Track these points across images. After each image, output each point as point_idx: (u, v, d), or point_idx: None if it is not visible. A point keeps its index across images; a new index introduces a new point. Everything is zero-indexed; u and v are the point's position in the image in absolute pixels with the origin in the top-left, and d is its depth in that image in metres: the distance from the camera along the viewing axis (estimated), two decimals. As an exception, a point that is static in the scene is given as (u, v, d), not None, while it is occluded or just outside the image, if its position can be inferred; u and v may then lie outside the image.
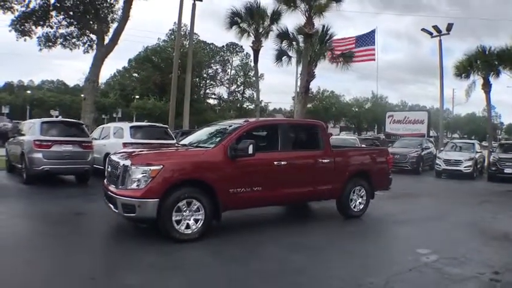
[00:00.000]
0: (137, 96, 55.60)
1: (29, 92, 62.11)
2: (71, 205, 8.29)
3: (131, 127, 11.35)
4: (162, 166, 5.63)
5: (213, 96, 69.19)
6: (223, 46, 66.96)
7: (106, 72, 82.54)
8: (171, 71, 21.36)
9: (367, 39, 33.30)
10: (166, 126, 12.13)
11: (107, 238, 6.19)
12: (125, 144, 10.39)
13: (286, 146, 6.93)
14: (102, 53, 17.50)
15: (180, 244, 5.60)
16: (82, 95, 20.67)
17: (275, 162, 6.59)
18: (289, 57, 22.24)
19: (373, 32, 33.72)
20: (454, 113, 76.58)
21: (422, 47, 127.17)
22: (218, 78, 68.27)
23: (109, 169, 6.47)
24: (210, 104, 65.81)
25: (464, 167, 17.39)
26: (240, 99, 68.21)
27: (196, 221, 5.85)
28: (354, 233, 7.00)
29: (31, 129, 11.11)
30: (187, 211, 5.79)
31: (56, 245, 5.61)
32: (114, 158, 6.40)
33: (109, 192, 6.04)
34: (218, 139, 6.44)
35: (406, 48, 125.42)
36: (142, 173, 5.63)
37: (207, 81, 67.38)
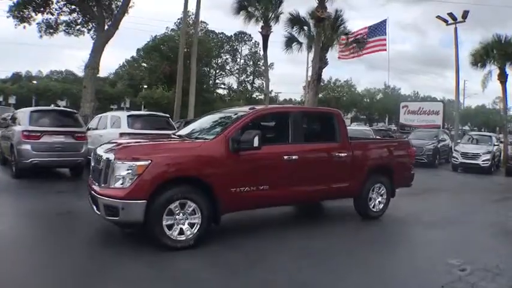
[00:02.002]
0: (145, 86, 55.05)
1: (34, 82, 61.80)
2: (57, 202, 7.52)
3: (129, 116, 10.46)
4: (149, 161, 4.74)
5: (223, 86, 68.42)
6: (231, 35, 66.20)
7: (115, 62, 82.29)
8: (184, 62, 20.80)
9: (378, 29, 32.59)
10: (168, 115, 11.22)
11: (90, 243, 5.32)
12: (121, 135, 9.62)
13: (298, 138, 5.98)
14: (103, 39, 16.65)
15: (173, 252, 4.77)
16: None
17: (285, 157, 5.66)
18: (300, 44, 21.18)
19: (384, 22, 33.02)
20: (464, 104, 75.31)
21: (431, 38, 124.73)
22: (227, 67, 67.40)
23: (92, 164, 5.61)
24: (219, 94, 64.91)
25: (482, 161, 16.64)
26: (250, 89, 67.28)
27: (191, 225, 4.98)
28: (373, 237, 6.11)
29: (21, 119, 10.30)
30: (181, 214, 4.92)
31: (28, 250, 4.81)
32: (98, 150, 5.53)
33: (92, 192, 5.17)
34: (219, 129, 5.50)
35: (414, 39, 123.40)
36: (128, 170, 4.75)
37: (216, 71, 66.58)
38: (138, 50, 61.29)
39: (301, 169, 5.83)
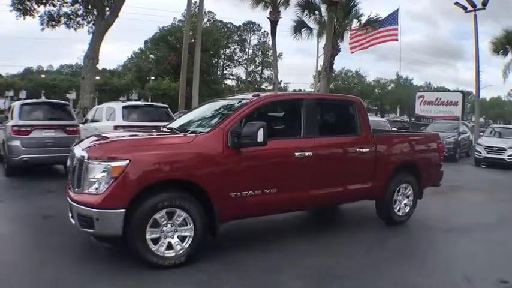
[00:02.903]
0: (153, 78, 54.52)
1: (43, 76, 61.71)
2: (44, 204, 6.74)
3: (124, 107, 9.56)
4: (128, 161, 3.82)
5: (231, 77, 67.44)
6: (240, 25, 65.27)
7: (123, 55, 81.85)
8: (190, 52, 20.02)
9: (390, 19, 31.87)
10: (167, 106, 10.29)
11: (68, 256, 4.42)
12: (116, 128, 8.76)
13: (312, 131, 4.98)
14: (102, 27, 15.77)
15: (160, 271, 3.91)
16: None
17: (296, 153, 4.68)
18: (310, 29, 20.00)
19: (396, 11, 32.17)
20: (479, 96, 73.13)
21: (441, 29, 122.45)
22: (236, 58, 66.44)
23: (68, 163, 4.74)
24: (227, 85, 63.99)
25: (508, 156, 15.43)
26: (259, 79, 66.26)
27: (182, 238, 4.08)
28: (402, 249, 5.14)
29: (13, 112, 9.52)
30: (169, 225, 4.03)
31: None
32: (74, 148, 4.63)
33: (67, 197, 4.28)
34: (216, 121, 4.54)
35: (424, 29, 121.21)
36: (103, 172, 3.85)
37: (225, 62, 65.68)
38: (145, 41, 61.09)
39: (316, 168, 4.86)
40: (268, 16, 20.33)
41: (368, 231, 5.83)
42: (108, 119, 9.96)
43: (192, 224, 4.07)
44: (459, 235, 5.81)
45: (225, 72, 66.31)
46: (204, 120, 4.93)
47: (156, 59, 56.15)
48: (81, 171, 4.01)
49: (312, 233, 5.58)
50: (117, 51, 67.16)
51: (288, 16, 19.46)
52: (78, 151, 4.27)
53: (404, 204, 6.16)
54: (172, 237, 4.04)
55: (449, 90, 46.45)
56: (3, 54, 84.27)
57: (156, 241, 3.97)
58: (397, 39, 33.09)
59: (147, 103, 10.76)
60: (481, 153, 16.16)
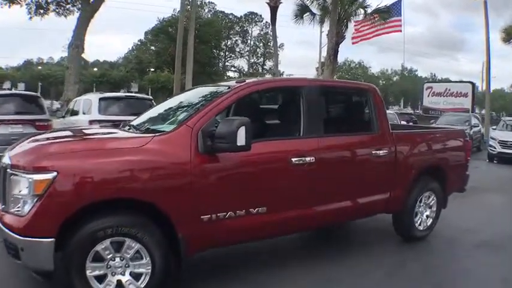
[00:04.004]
0: (152, 69, 53.63)
1: (39, 67, 60.93)
2: None
3: (101, 99, 8.49)
4: (55, 173, 2.70)
5: (233, 68, 66.28)
6: (241, 16, 64.19)
7: (124, 47, 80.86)
8: (186, 42, 18.88)
9: (393, 10, 31.02)
10: (151, 97, 9.20)
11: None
12: (91, 123, 7.72)
13: (315, 128, 3.81)
14: (88, 13, 14.59)
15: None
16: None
17: (294, 159, 3.52)
18: (313, 15, 18.71)
19: (399, 2, 31.20)
20: (483, 88, 72.53)
21: (442, 20, 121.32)
22: (237, 50, 65.32)
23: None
24: (230, 77, 62.88)
25: None
26: (260, 71, 65.12)
27: (136, 276, 2.98)
28: (427, 274, 4.02)
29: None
30: (118, 259, 2.92)
31: None
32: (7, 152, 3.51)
33: None
34: (184, 115, 3.40)
35: (426, 21, 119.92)
36: (26, 186, 2.75)
37: (226, 54, 64.54)
38: (146, 33, 60.22)
39: (320, 178, 3.72)
40: (268, 1, 19.09)
41: (384, 250, 4.71)
42: (85, 112, 8.92)
43: (148, 258, 2.96)
44: (490, 252, 4.75)
45: (226, 64, 65.33)
46: (174, 113, 3.77)
47: (156, 50, 55.39)
48: (5, 182, 2.96)
49: (316, 255, 4.44)
50: (118, 43, 66.09)
51: (290, 2, 18.13)
52: (6, 157, 3.18)
53: (426, 216, 5.05)
54: (123, 274, 2.95)
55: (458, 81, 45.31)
56: (4, 46, 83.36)
57: (101, 279, 2.89)
58: (400, 31, 31.98)
59: (128, 94, 9.63)
60: (495, 148, 15.07)
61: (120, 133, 3.55)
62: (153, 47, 57.71)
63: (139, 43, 62.99)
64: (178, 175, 2.99)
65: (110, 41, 72.52)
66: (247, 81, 3.60)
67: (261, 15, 60.99)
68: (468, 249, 4.86)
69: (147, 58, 56.97)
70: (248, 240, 3.68)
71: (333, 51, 16.44)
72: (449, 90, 27.41)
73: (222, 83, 3.99)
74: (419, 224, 4.96)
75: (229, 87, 3.46)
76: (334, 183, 3.87)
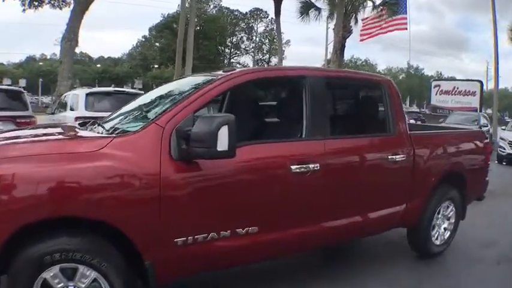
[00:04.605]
0: (156, 66, 53.20)
1: (40, 63, 60.70)
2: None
3: (88, 94, 7.85)
4: None
5: (238, 65, 65.61)
6: (247, 13, 63.42)
7: (129, 43, 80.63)
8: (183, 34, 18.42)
9: (399, 7, 30.36)
10: (143, 92, 8.53)
11: None
12: (77, 119, 7.08)
13: (320, 129, 3.10)
14: (82, 4, 13.89)
15: None
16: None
17: (293, 167, 2.82)
18: (318, 10, 18.02)
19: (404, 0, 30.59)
20: (489, 87, 71.95)
21: (446, 19, 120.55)
22: (243, 46, 64.69)
23: None
24: (234, 75, 62.17)
25: None
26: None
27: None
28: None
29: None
30: (70, 289, 2.26)
31: None
32: None
33: None
34: (155, 112, 2.72)
35: (429, 20, 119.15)
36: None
37: (232, 50, 63.92)
38: (150, 29, 59.80)
39: (327, 188, 3.04)
40: (272, -8, 18.41)
41: (396, 267, 4.03)
42: (73, 108, 8.31)
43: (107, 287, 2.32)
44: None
45: (232, 61, 64.64)
46: (149, 109, 3.08)
47: (161, 46, 54.95)
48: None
49: (319, 272, 3.77)
50: (122, 39, 65.61)
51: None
52: None
53: (444, 228, 4.37)
54: (76, 310, 2.30)
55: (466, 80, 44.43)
56: (6, 42, 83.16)
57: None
58: (406, 28, 31.29)
59: (118, 89, 8.98)
60: (504, 149, 14.33)
61: (80, 133, 2.90)
62: (157, 43, 57.39)
63: (143, 39, 62.59)
64: (142, 188, 2.32)
65: (115, 38, 71.98)
66: (237, 69, 2.93)
67: (266, 12, 60.24)
68: (488, 267, 4.17)
69: (151, 54, 56.64)
70: (235, 265, 3.00)
71: (340, 46, 15.75)
72: (457, 88, 26.47)
73: (213, 72, 3.28)
74: (436, 238, 4.29)
75: (215, 77, 2.79)
76: (343, 195, 3.18)
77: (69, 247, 2.21)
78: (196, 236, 2.49)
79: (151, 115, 2.67)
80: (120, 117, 3.21)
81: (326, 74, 3.41)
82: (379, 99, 3.70)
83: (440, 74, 78.00)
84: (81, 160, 2.25)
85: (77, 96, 8.16)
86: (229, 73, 2.81)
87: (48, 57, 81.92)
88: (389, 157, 3.50)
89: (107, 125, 3.00)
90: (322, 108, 3.13)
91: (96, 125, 3.13)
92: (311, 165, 2.87)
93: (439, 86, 27.77)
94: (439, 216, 4.26)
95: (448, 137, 4.65)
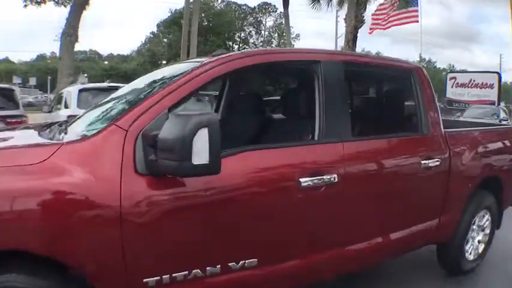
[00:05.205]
0: (164, 62, 52.92)
1: (49, 61, 60.84)
2: None
3: (81, 91, 7.33)
4: None
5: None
6: (255, 7, 62.78)
7: (137, 40, 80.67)
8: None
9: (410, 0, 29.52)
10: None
11: None
12: (69, 117, 6.55)
13: (339, 128, 2.42)
14: (82, -3, 13.35)
15: None
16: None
17: (303, 180, 2.14)
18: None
19: None
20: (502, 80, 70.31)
21: (455, 11, 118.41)
22: (251, 41, 63.96)
23: None
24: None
25: None
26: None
27: None
28: None
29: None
30: None
31: None
32: None
33: None
34: (121, 110, 2.08)
35: (438, 12, 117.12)
36: None
37: (240, 45, 63.33)
38: (158, 25, 59.41)
39: (346, 206, 2.37)
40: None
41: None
42: (67, 106, 7.81)
43: None
44: None
45: (240, 56, 64.13)
46: (114, 106, 2.43)
47: (168, 42, 54.59)
48: None
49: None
50: (131, 36, 65.67)
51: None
52: None
53: (478, 241, 3.72)
54: None
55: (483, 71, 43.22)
56: (17, 40, 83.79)
57: None
58: (417, 21, 30.40)
59: (111, 85, 8.38)
60: None
61: (31, 140, 2.28)
62: (165, 39, 57.08)
63: (151, 36, 62.37)
64: (94, 213, 1.69)
65: (122, 35, 71.84)
66: (228, 54, 2.26)
67: (275, 6, 59.41)
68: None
69: (159, 51, 56.29)
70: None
71: (352, 36, 15.03)
72: (474, 81, 25.35)
73: (199, 58, 2.59)
74: (470, 253, 3.63)
75: (200, 63, 2.14)
76: (367, 212, 2.52)
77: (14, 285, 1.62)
78: (174, 274, 1.86)
79: (115, 114, 2.04)
80: (88, 117, 2.58)
81: (345, 59, 2.68)
82: (409, 91, 3.02)
83: (453, 66, 76.60)
84: (14, 176, 1.64)
85: (70, 93, 7.66)
86: (220, 57, 2.16)
87: (57, 54, 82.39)
88: (422, 162, 2.83)
89: (72, 127, 2.39)
90: (340, 102, 2.45)
91: (63, 127, 2.51)
92: (326, 177, 2.21)
93: (454, 78, 26.66)
94: (474, 227, 3.60)
95: (485, 135, 3.95)
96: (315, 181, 2.16)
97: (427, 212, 3.05)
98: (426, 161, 2.85)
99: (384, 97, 3.44)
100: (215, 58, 2.15)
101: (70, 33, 12.78)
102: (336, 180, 2.23)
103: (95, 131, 1.87)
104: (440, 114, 3.20)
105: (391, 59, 3.06)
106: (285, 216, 2.15)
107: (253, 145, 2.18)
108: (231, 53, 2.21)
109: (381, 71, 3.10)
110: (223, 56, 2.18)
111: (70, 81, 12.61)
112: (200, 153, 1.58)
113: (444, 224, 3.13)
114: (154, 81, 2.33)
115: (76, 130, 2.22)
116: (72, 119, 5.72)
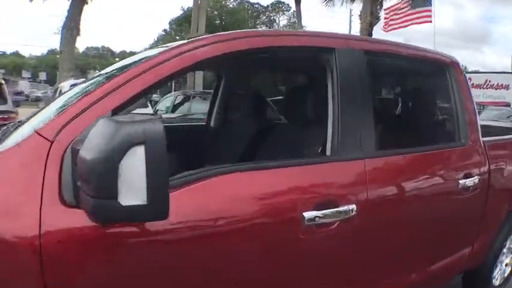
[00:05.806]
0: (175, 60, 52.97)
1: (58, 56, 61.24)
2: None
3: (73, 86, 6.78)
4: None
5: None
6: (268, 5, 62.13)
7: (150, 38, 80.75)
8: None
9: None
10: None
11: None
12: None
13: (358, 140, 1.78)
14: (84, -11, 12.89)
15: None
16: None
17: (307, 216, 1.52)
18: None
19: None
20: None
21: (466, 12, 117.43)
22: (264, 40, 63.92)
23: None
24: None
25: None
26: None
27: None
28: None
29: None
30: None
31: None
32: None
33: None
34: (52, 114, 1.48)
35: (451, 13, 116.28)
36: None
37: (252, 45, 63.29)
38: (170, 22, 59.33)
39: (367, 246, 1.77)
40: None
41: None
42: (60, 102, 7.32)
43: None
44: None
45: (253, 54, 64.01)
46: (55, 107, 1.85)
47: (181, 40, 54.45)
48: None
49: None
50: (143, 34, 65.93)
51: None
52: None
53: (505, 265, 3.18)
54: None
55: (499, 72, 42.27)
56: (29, 35, 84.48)
57: None
58: (430, 21, 29.89)
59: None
60: None
61: None
62: (177, 37, 56.91)
63: (164, 33, 62.48)
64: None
65: (137, 32, 71.95)
66: (205, 36, 1.66)
67: (288, 4, 59.01)
68: None
69: (173, 49, 56.25)
70: None
71: (367, 33, 14.34)
72: (489, 81, 24.89)
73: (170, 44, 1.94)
74: (496, 279, 3.08)
75: (166, 49, 1.55)
76: (393, 250, 1.92)
77: None
78: None
79: (43, 118, 1.48)
80: (35, 118, 2.01)
81: (368, 47, 1.99)
82: (445, 90, 2.40)
83: (465, 68, 75.31)
84: None
85: (63, 88, 7.21)
86: (195, 41, 1.57)
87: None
88: (460, 182, 2.22)
89: (21, 129, 1.82)
90: (361, 104, 1.82)
91: (13, 129, 1.95)
92: (342, 208, 1.61)
93: (470, 79, 25.59)
94: (505, 250, 3.06)
95: None
96: (325, 216, 1.55)
97: (461, 240, 2.47)
98: (464, 180, 2.24)
99: (415, 96, 2.77)
100: (191, 41, 1.55)
101: (71, 26, 12.30)
102: (355, 212, 1.62)
103: (19, 139, 1.31)
104: (478, 119, 2.60)
105: (425, 49, 2.42)
106: (281, 264, 1.54)
107: (236, 164, 1.57)
108: (210, 36, 1.60)
109: (413, 64, 2.44)
110: (199, 38, 1.58)
111: (71, 76, 12.18)
112: (132, 187, 0.99)
113: (477, 251, 2.57)
114: (106, 73, 1.76)
115: (22, 133, 1.65)
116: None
